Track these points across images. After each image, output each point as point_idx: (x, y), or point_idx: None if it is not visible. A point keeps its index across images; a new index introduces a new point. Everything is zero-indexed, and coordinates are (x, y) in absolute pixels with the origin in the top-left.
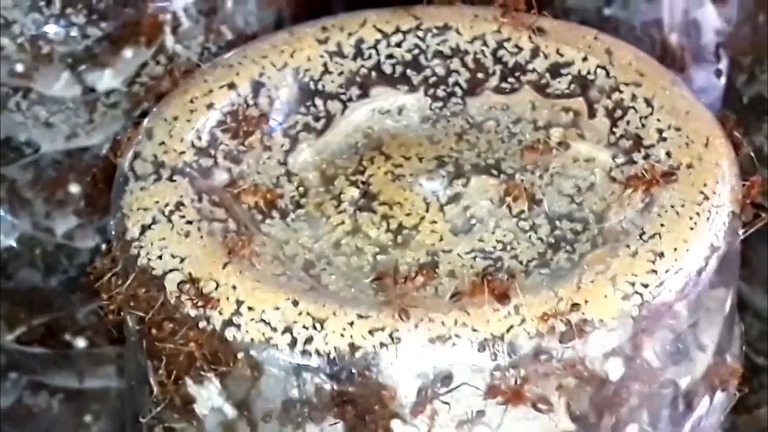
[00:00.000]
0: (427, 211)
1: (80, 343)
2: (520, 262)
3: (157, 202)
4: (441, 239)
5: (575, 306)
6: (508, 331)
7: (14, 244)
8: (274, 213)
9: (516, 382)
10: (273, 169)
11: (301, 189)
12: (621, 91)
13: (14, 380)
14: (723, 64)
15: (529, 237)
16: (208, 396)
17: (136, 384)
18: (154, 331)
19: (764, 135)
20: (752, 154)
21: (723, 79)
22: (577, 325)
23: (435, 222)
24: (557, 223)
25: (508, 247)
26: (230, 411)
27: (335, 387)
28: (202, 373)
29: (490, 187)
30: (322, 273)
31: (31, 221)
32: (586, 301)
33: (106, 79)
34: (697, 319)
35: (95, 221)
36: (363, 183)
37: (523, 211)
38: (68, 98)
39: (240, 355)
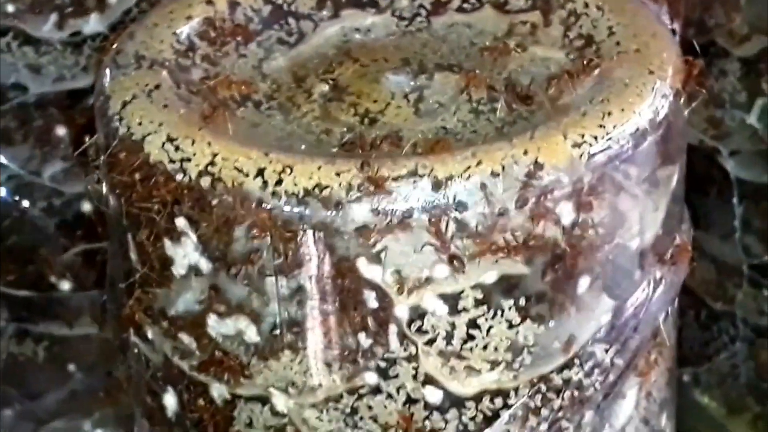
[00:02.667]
0: (392, 98)
1: (65, 285)
2: (479, 135)
3: (137, 83)
4: (405, 120)
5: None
6: (465, 170)
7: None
8: (247, 103)
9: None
10: (247, 71)
11: (273, 86)
12: (574, 1)
13: (0, 329)
14: (676, 24)
15: (488, 117)
16: (185, 253)
17: (116, 261)
18: (133, 192)
19: (714, 76)
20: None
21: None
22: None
23: (400, 107)
24: (514, 106)
25: (468, 125)
26: (206, 265)
27: (303, 229)
28: (179, 227)
29: (452, 80)
30: (293, 145)
31: (18, 163)
32: (539, 148)
33: (92, 23)
34: (645, 189)
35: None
36: (332, 80)
37: (482, 98)
38: (56, 40)
39: (214, 202)
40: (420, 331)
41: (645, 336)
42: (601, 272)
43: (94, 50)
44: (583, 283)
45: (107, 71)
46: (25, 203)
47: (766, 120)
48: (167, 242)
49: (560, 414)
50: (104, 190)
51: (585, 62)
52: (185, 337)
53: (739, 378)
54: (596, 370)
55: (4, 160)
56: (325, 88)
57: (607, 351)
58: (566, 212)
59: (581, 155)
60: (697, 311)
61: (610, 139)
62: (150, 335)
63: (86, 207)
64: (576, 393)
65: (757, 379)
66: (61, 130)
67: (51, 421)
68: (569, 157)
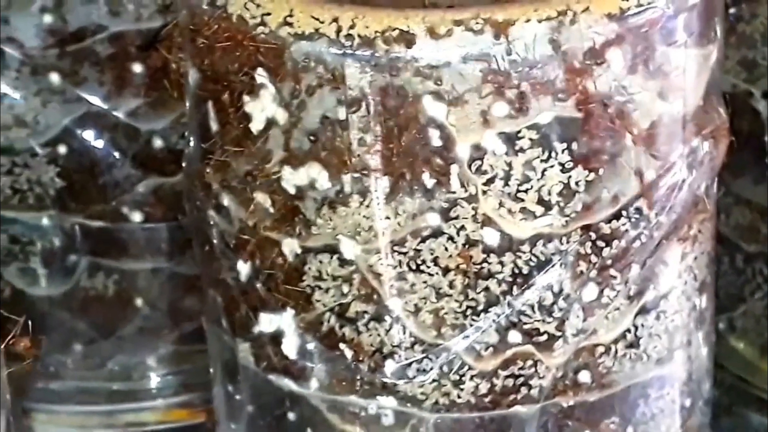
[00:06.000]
0: None
1: (137, 217)
2: None
3: None
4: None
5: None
6: (523, 14)
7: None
8: None
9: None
10: None
11: None
12: None
13: (73, 262)
14: None
15: None
16: (263, 107)
17: (196, 134)
18: (216, 53)
19: (745, 20)
20: None
21: None
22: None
23: None
24: None
25: None
26: (282, 116)
27: (374, 70)
28: (258, 80)
29: None
30: None
31: (96, 99)
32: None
33: None
34: (686, 57)
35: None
36: None
37: None
38: None
39: (293, 48)
40: (479, 171)
41: (687, 201)
42: (646, 128)
43: None
44: (630, 135)
45: None
46: (103, 138)
47: None
48: (246, 98)
49: (609, 263)
50: (187, 66)
51: None
52: (260, 196)
53: None
54: (642, 224)
55: (83, 95)
56: None
57: (651, 207)
58: (616, 61)
59: (629, 8)
60: (731, 256)
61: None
62: (226, 202)
63: (158, 143)
64: (623, 244)
65: None
66: (137, 68)
67: (117, 356)
68: (619, 8)
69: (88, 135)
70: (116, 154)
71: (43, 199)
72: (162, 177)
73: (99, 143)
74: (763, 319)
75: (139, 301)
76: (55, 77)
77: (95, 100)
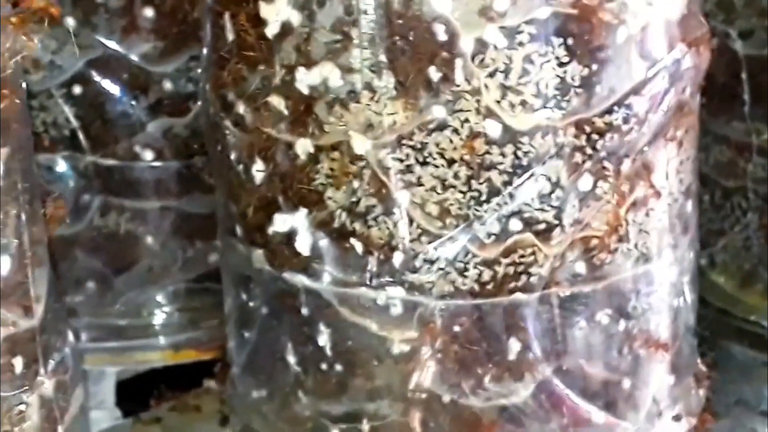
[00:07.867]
0: None
1: (148, 156)
2: None
3: None
4: None
5: None
6: None
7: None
8: None
9: None
10: None
11: None
12: None
13: (86, 202)
14: None
15: None
16: (278, 11)
17: (212, 51)
18: None
19: None
20: None
21: None
22: None
23: None
24: None
25: None
26: (297, 18)
27: None
28: None
29: None
30: None
31: (111, 42)
32: None
33: None
34: None
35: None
36: None
37: None
38: None
39: None
40: (482, 64)
41: (673, 103)
42: (635, 28)
43: None
44: (621, 33)
45: None
46: (116, 80)
47: None
48: (261, 4)
49: (603, 155)
50: None
51: None
52: (274, 99)
53: (751, 249)
54: (633, 120)
55: (98, 38)
56: None
57: (641, 104)
58: None
59: None
60: (711, 193)
61: None
62: (241, 111)
63: (168, 85)
64: (616, 138)
65: None
66: (149, 12)
67: (127, 293)
68: None
69: (102, 77)
70: (128, 96)
71: (58, 141)
72: (171, 118)
73: (112, 85)
74: (742, 251)
75: (149, 239)
76: (71, 21)
77: (110, 44)
